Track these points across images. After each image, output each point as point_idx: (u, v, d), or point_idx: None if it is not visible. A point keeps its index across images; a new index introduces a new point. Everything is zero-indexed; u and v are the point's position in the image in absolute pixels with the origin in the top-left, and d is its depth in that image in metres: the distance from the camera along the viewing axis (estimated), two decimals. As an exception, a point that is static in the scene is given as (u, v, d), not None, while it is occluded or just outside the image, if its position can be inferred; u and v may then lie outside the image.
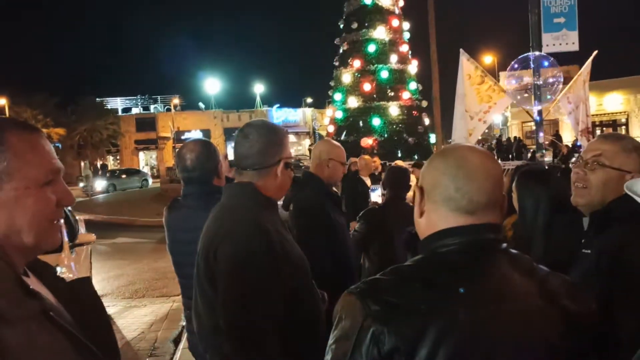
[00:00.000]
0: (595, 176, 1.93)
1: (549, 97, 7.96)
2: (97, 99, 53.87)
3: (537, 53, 7.82)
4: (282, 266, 1.86)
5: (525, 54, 7.94)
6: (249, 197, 2.02)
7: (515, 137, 33.23)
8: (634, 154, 1.90)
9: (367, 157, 8.04)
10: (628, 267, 1.72)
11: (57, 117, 45.57)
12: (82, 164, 47.21)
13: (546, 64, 7.92)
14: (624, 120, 38.23)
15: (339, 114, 21.20)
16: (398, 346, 1.14)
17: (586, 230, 1.99)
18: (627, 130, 37.57)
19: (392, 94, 20.51)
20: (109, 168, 48.07)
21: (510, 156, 26.45)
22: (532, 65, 7.83)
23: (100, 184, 34.30)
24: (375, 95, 20.48)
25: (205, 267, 1.95)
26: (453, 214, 1.28)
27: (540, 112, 8.29)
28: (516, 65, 7.97)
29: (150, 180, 40.63)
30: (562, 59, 8.33)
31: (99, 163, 49.96)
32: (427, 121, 21.60)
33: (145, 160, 56.43)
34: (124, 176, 38.85)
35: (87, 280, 1.35)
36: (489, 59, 48.45)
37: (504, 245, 1.30)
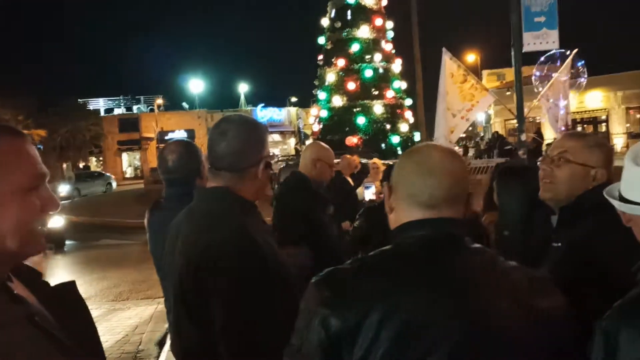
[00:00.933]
0: (561, 171, 2.03)
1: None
2: (79, 100, 53.27)
3: (562, 50, 8.06)
4: (278, 282, 1.76)
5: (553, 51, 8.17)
6: (231, 205, 1.84)
7: (498, 135, 33.39)
8: (596, 150, 2.00)
9: (348, 156, 8.05)
10: (597, 257, 1.80)
11: (38, 119, 44.86)
12: (65, 165, 46.71)
13: (580, 63, 8.13)
14: (604, 117, 38.72)
15: (324, 113, 21.23)
16: (342, 330, 1.20)
17: (556, 224, 2.06)
18: (607, 127, 38.07)
19: (376, 92, 20.60)
20: (92, 169, 47.58)
21: (492, 154, 26.62)
22: (558, 62, 8.04)
23: (63, 189, 30.64)
24: (359, 94, 20.54)
25: (194, 285, 1.77)
26: (415, 208, 1.34)
27: (524, 108, 8.38)
28: (543, 59, 8.16)
29: (115, 184, 38.98)
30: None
31: (81, 165, 49.48)
32: (411, 119, 21.72)
33: (128, 161, 55.99)
34: (87, 180, 36.75)
35: (72, 285, 1.34)
36: (471, 57, 48.83)
37: (466, 239, 1.34)
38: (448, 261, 1.29)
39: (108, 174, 41.03)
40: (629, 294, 1.35)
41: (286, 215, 3.27)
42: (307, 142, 25.26)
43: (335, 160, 3.70)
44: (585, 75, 8.16)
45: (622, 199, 1.49)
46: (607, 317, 1.28)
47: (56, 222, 13.30)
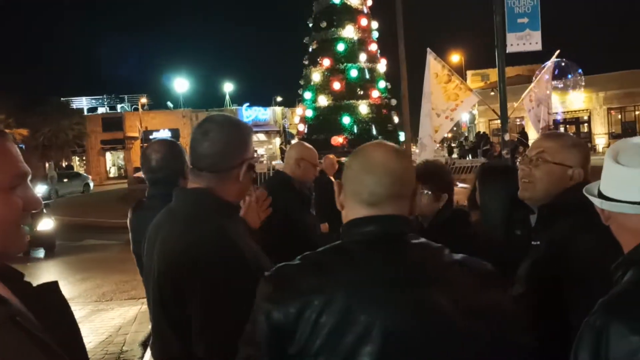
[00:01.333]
0: (539, 171, 2.09)
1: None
2: (62, 99, 52.72)
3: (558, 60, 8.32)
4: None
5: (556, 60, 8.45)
6: (210, 206, 1.81)
7: (483, 134, 33.59)
8: (573, 150, 2.06)
9: (331, 156, 8.06)
10: (576, 256, 1.85)
11: (21, 118, 44.33)
12: (47, 165, 46.19)
13: (569, 76, 8.45)
14: (586, 117, 39.21)
15: (309, 113, 21.23)
16: (284, 322, 1.28)
17: (535, 223, 2.11)
18: (589, 127, 38.55)
19: (362, 92, 20.62)
20: (75, 169, 47.05)
21: (476, 153, 26.85)
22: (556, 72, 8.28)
23: (40, 189, 27.48)
24: (345, 94, 20.56)
25: (173, 287, 1.75)
26: (359, 206, 1.40)
27: (507, 108, 8.44)
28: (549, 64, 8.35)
29: (92, 184, 37.28)
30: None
31: (64, 164, 48.97)
32: (396, 119, 21.79)
33: (112, 161, 55.54)
34: (65, 180, 34.61)
35: (55, 285, 1.33)
36: (456, 57, 49.14)
37: (408, 234, 1.39)
38: (385, 257, 1.33)
39: (85, 174, 39.83)
40: (614, 289, 1.38)
41: (269, 215, 3.26)
42: (292, 142, 25.23)
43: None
44: (582, 83, 8.43)
45: (602, 197, 1.52)
46: (595, 313, 1.32)
47: (46, 224, 12.67)
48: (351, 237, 1.39)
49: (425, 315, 1.27)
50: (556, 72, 8.29)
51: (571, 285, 1.84)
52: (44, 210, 12.50)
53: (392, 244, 1.36)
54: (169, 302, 1.77)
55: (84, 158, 54.15)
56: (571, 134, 2.32)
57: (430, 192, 2.77)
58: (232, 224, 1.83)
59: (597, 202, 1.54)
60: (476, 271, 1.37)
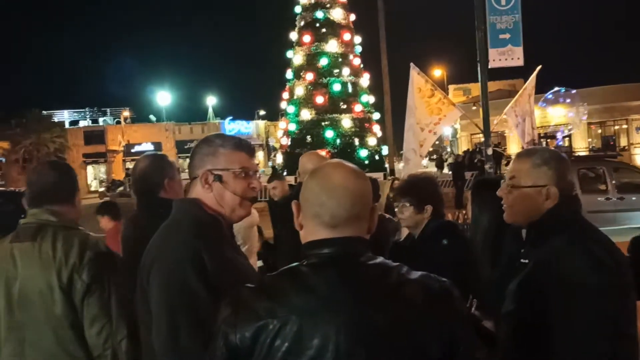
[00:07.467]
0: (514, 197, 2.08)
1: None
2: (44, 112, 52.19)
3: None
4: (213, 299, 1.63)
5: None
6: (186, 214, 1.87)
7: (467, 149, 33.85)
8: (544, 168, 2.02)
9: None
10: (561, 278, 1.86)
11: (1, 130, 43.86)
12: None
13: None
14: (566, 132, 39.75)
15: (292, 126, 21.29)
16: (240, 345, 1.31)
17: (524, 240, 2.11)
18: (570, 141, 39.08)
19: (345, 106, 20.74)
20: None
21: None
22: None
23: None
24: (328, 108, 20.65)
25: (141, 295, 1.83)
26: (318, 227, 1.40)
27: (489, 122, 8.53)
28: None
29: None
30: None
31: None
32: (379, 133, 21.92)
33: (93, 174, 54.97)
34: None
35: None
36: (438, 72, 49.68)
37: (366, 255, 1.40)
38: (337, 279, 1.34)
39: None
40: None
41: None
42: (278, 156, 25.22)
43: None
44: (586, 112, 8.51)
45: None
46: None
47: None
48: (308, 259, 1.39)
49: (372, 336, 1.29)
50: (561, 100, 8.38)
51: (557, 306, 1.86)
52: None
53: (346, 266, 1.36)
54: (142, 309, 1.86)
55: (64, 171, 53.42)
56: (547, 148, 2.26)
57: (409, 204, 2.78)
58: (207, 235, 1.81)
59: None
60: (430, 289, 1.37)
